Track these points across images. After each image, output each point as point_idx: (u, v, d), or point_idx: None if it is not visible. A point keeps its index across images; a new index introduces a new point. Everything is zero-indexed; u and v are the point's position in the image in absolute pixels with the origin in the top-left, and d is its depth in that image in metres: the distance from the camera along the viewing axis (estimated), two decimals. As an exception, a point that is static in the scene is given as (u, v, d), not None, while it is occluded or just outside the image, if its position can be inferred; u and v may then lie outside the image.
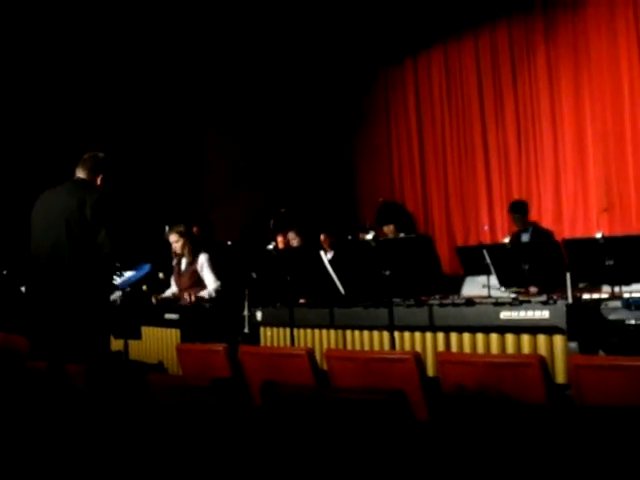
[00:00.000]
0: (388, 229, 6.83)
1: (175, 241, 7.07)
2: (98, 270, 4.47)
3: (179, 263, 7.22)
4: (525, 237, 7.91)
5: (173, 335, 6.62)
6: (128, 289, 6.37)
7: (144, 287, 7.10)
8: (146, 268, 6.29)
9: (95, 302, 4.42)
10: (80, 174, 4.68)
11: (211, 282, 6.98)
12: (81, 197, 4.47)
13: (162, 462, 3.11)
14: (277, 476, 2.65)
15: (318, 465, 2.56)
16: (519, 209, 8.14)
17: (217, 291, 6.94)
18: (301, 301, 6.45)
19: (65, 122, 10.08)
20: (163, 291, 7.46)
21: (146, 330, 6.84)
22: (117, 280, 5.21)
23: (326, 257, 5.58)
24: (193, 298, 6.86)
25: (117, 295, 7.46)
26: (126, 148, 10.25)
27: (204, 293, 6.93)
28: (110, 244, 4.44)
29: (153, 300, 7.17)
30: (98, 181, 4.68)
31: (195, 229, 7.77)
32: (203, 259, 7.03)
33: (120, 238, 4.52)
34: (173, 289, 7.35)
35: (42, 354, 4.40)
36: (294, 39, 11.37)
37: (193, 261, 7.08)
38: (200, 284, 7.04)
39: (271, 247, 5.80)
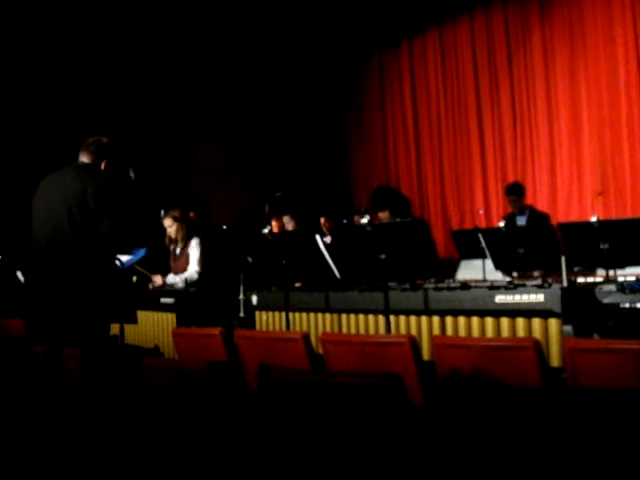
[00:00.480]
0: (383, 214, 6.83)
1: (169, 225, 7.08)
2: (99, 256, 4.43)
3: (174, 247, 7.23)
4: (521, 220, 7.91)
5: (169, 319, 6.63)
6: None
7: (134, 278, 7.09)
8: (141, 252, 6.28)
9: (96, 288, 4.39)
10: (84, 158, 4.60)
11: (193, 265, 6.99)
12: (84, 183, 4.41)
13: (158, 446, 3.12)
14: (273, 459, 2.65)
15: (314, 448, 2.57)
16: (515, 191, 8.14)
17: (191, 280, 6.92)
18: (296, 285, 6.45)
19: (63, 110, 10.04)
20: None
21: (142, 314, 6.85)
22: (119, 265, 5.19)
23: (325, 241, 5.58)
24: (161, 281, 6.89)
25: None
26: (120, 132, 10.22)
27: (177, 278, 6.95)
28: (112, 232, 4.40)
29: (150, 287, 7.18)
30: (102, 166, 4.62)
31: (192, 214, 7.75)
32: (194, 243, 7.06)
33: (123, 226, 4.48)
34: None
35: (40, 338, 4.39)
36: (288, 22, 11.32)
37: (186, 245, 7.10)
38: None
39: (266, 231, 5.80)
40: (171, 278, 6.98)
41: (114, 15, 10.19)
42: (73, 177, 4.48)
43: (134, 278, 7.13)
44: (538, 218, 7.88)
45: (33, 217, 4.59)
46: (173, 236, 7.12)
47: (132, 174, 5.07)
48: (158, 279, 6.96)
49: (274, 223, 8.17)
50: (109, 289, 4.49)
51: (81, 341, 4.16)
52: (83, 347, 4.04)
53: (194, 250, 7.03)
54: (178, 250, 7.17)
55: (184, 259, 7.09)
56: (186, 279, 6.92)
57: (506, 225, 6.49)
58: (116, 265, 4.72)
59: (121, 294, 5.13)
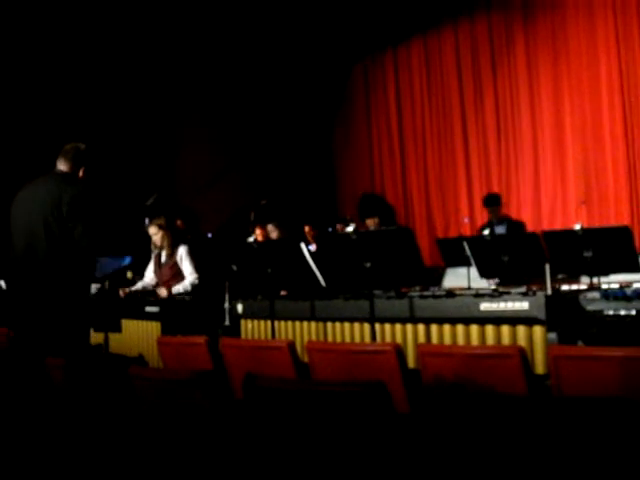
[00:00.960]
0: (371, 221, 6.84)
1: (154, 233, 7.05)
2: (75, 265, 4.43)
3: (159, 255, 7.19)
4: (500, 229, 7.98)
5: (153, 328, 6.60)
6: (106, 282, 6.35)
7: (106, 283, 7.07)
8: (126, 260, 6.26)
9: (73, 297, 4.39)
10: (61, 166, 4.61)
11: (189, 273, 6.96)
12: (60, 191, 4.43)
13: (143, 455, 3.11)
14: (259, 468, 2.65)
15: (299, 457, 2.56)
16: (495, 202, 8.25)
17: (193, 284, 6.91)
18: (282, 293, 6.45)
19: (44, 114, 10.01)
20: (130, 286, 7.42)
21: (126, 323, 6.82)
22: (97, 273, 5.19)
23: (309, 249, 5.58)
24: (166, 293, 6.86)
25: (94, 287, 7.41)
26: (102, 141, 10.19)
27: (179, 287, 6.90)
28: (86, 240, 4.41)
29: (121, 293, 7.12)
30: (80, 173, 4.62)
31: (179, 222, 7.74)
32: (182, 250, 7.02)
33: (97, 233, 4.49)
34: (145, 281, 7.31)
35: (23, 347, 4.38)
36: (274, 31, 11.34)
37: (173, 253, 7.06)
38: (180, 276, 7.02)
39: (252, 239, 5.79)
40: (177, 288, 6.92)
41: (96, 21, 10.17)
42: (50, 186, 4.50)
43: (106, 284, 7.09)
44: (516, 227, 7.99)
45: (12, 227, 4.60)
46: (158, 244, 7.08)
47: (151, 200, 5.19)
48: (163, 292, 6.91)
49: (258, 231, 8.17)
50: (86, 296, 4.50)
51: (61, 349, 4.16)
52: (64, 355, 4.03)
53: (185, 259, 6.99)
54: (164, 258, 7.14)
55: (169, 267, 7.05)
56: (191, 285, 6.89)
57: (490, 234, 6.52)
58: (93, 272, 4.73)
59: (103, 302, 5.15)
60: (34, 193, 4.57)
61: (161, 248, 7.12)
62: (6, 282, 7.32)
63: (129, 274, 7.51)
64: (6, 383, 4.07)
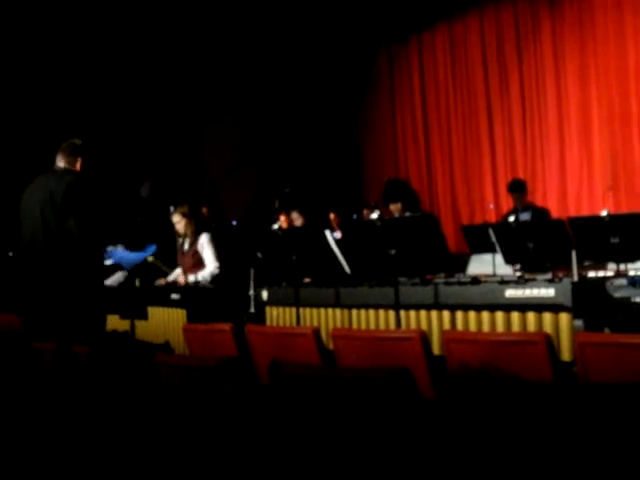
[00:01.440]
0: (395, 207, 6.83)
1: (178, 222, 7.08)
2: (73, 255, 4.58)
3: (182, 243, 7.23)
4: (525, 216, 7.93)
5: (179, 315, 6.64)
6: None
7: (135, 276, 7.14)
8: (152, 249, 6.30)
9: (75, 286, 4.53)
10: (60, 162, 4.85)
11: (210, 262, 6.99)
12: (56, 184, 4.64)
13: (169, 442, 3.13)
14: (285, 453, 2.66)
15: (325, 443, 2.57)
16: (520, 188, 8.21)
17: (213, 274, 6.94)
18: (306, 280, 6.45)
19: (68, 106, 10.07)
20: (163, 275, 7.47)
21: (152, 310, 6.86)
22: (108, 261, 5.33)
23: (334, 236, 5.58)
24: (183, 280, 6.90)
25: (122, 276, 7.48)
26: (127, 132, 10.26)
27: (198, 276, 6.94)
28: (81, 229, 4.56)
29: (162, 282, 7.19)
30: (78, 165, 4.81)
31: (204, 210, 7.78)
32: (204, 239, 7.05)
33: (95, 223, 4.62)
34: (178, 271, 7.36)
35: (39, 335, 4.48)
36: (298, 16, 11.30)
37: (194, 241, 7.09)
38: (201, 264, 7.06)
39: (276, 227, 5.80)
40: (192, 277, 6.96)
41: (121, 17, 10.20)
42: (48, 182, 4.69)
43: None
44: (541, 214, 7.93)
45: (21, 224, 4.82)
46: (182, 232, 7.12)
47: (146, 189, 5.34)
48: (181, 279, 6.95)
49: (282, 218, 8.18)
50: (92, 285, 4.62)
51: (76, 336, 4.24)
52: (80, 342, 4.11)
53: (207, 247, 7.02)
54: (186, 246, 7.17)
55: (191, 255, 7.08)
56: (210, 274, 6.93)
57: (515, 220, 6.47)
58: (98, 261, 4.86)
59: (129, 291, 5.24)
60: (36, 190, 4.79)
61: (184, 236, 7.15)
62: (17, 275, 7.44)
63: (149, 258, 7.55)
64: (31, 369, 4.11)
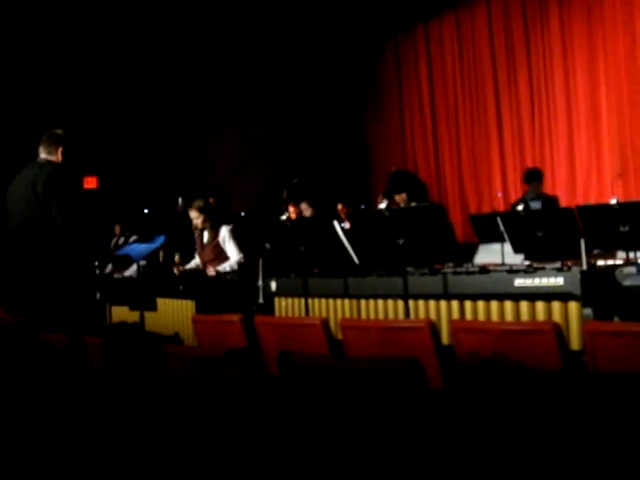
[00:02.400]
0: (400, 197, 6.82)
1: (196, 217, 7.10)
2: (58, 245, 4.61)
3: (201, 236, 7.25)
4: (536, 204, 7.90)
5: (188, 306, 6.65)
6: (143, 261, 6.42)
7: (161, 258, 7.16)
8: (160, 240, 6.31)
9: (62, 276, 4.58)
10: (42, 153, 4.88)
11: (234, 254, 7.01)
12: (36, 176, 4.67)
13: (178, 433, 3.14)
14: (294, 445, 2.67)
15: (334, 434, 2.58)
16: (537, 177, 8.19)
17: (239, 263, 6.96)
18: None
19: (74, 100, 10.08)
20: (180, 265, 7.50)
21: (161, 302, 6.88)
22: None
23: (343, 226, 5.58)
24: (214, 272, 6.90)
25: (133, 268, 7.52)
26: (134, 125, 10.27)
27: (225, 266, 6.95)
28: (61, 218, 4.60)
29: (175, 271, 7.21)
30: (59, 154, 4.82)
31: (211, 200, 7.78)
32: (225, 231, 7.07)
33: (72, 211, 4.66)
34: (197, 261, 7.38)
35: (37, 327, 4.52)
36: (304, 9, 11.28)
37: (215, 234, 7.11)
38: (223, 256, 7.06)
39: (284, 218, 5.80)
40: (221, 268, 6.98)
41: (129, 9, 10.20)
42: (30, 172, 4.73)
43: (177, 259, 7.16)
44: (550, 202, 7.91)
45: (7, 219, 4.87)
46: (200, 227, 7.14)
47: (180, 204, 5.37)
48: (211, 271, 6.97)
49: (291, 209, 8.18)
50: (73, 272, 4.65)
51: (63, 326, 4.28)
52: (69, 330, 4.17)
53: (229, 240, 7.04)
54: (206, 239, 7.20)
55: (212, 248, 7.10)
56: (237, 263, 6.96)
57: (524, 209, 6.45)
58: (85, 249, 4.90)
59: (138, 282, 5.26)
60: (19, 181, 4.84)
61: (203, 229, 7.17)
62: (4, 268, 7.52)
63: (177, 258, 7.58)
64: (40, 361, 4.13)
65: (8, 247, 4.81)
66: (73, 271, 4.66)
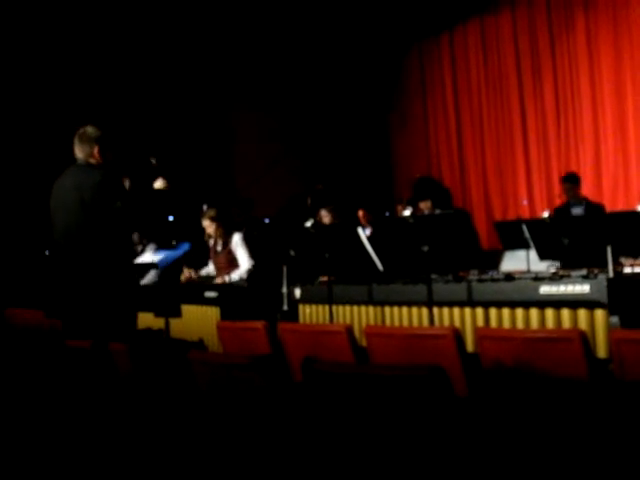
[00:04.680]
0: (424, 205, 6.82)
1: (208, 225, 7.26)
2: (113, 250, 4.54)
3: (215, 243, 7.38)
4: (577, 210, 7.91)
5: (213, 313, 6.68)
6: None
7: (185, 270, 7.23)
8: (185, 247, 6.34)
9: (109, 282, 4.50)
10: (79, 154, 4.70)
11: (244, 261, 7.13)
12: (82, 180, 4.55)
13: (203, 438, 3.15)
14: (318, 451, 2.67)
15: (358, 441, 2.58)
16: (570, 179, 8.20)
17: (249, 271, 7.06)
18: (323, 279, 6.44)
19: (96, 101, 10.16)
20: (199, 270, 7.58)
21: (186, 308, 6.91)
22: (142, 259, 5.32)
23: (364, 233, 5.58)
24: (221, 281, 7.00)
25: (155, 275, 7.58)
26: (159, 131, 10.33)
27: (234, 276, 7.03)
28: (111, 224, 4.52)
29: (187, 273, 7.29)
30: (96, 154, 4.67)
31: (235, 210, 7.88)
32: (237, 238, 7.21)
33: (122, 218, 4.59)
34: (210, 268, 7.48)
35: (75, 333, 4.48)
36: (330, 13, 11.30)
37: (227, 241, 7.25)
38: (235, 262, 7.21)
39: (309, 224, 5.81)
40: (228, 278, 7.06)
41: (151, 8, 10.27)
42: (74, 178, 4.62)
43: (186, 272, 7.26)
44: (594, 209, 7.86)
45: (52, 222, 4.75)
46: (213, 235, 7.30)
47: (154, 161, 5.16)
48: (219, 279, 7.10)
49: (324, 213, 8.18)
50: (125, 281, 4.59)
51: (106, 332, 4.25)
52: (108, 338, 4.13)
53: (240, 246, 7.16)
54: (219, 247, 7.31)
55: (225, 255, 7.21)
56: (247, 272, 7.04)
57: (556, 214, 6.42)
58: (131, 256, 4.84)
59: (163, 288, 5.22)
60: (64, 185, 4.69)
61: (216, 238, 7.29)
62: (50, 271, 7.52)
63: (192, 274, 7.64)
64: (68, 367, 4.16)
65: (54, 252, 4.74)
66: (119, 278, 4.59)
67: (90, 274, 4.49)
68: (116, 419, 3.54)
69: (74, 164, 4.75)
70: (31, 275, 9.50)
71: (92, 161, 4.66)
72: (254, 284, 6.84)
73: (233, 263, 7.19)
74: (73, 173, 4.67)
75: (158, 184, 4.95)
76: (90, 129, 4.75)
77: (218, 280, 7.12)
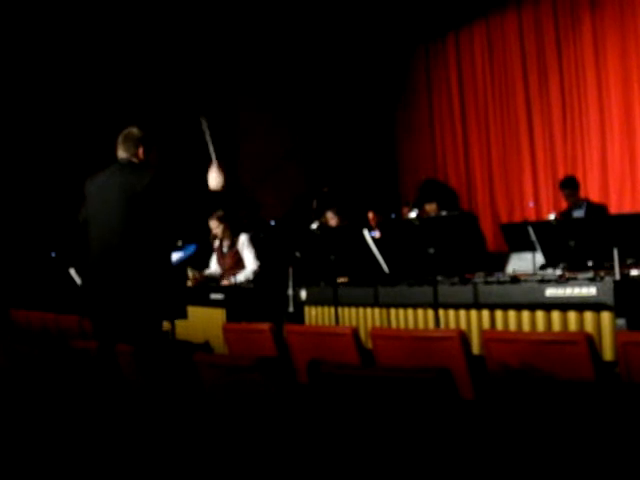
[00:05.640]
0: (430, 207, 6.81)
1: (216, 227, 7.25)
2: (158, 254, 4.44)
3: (221, 245, 7.39)
4: (579, 213, 7.82)
5: (219, 315, 6.68)
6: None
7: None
8: (192, 248, 6.35)
9: (152, 286, 4.40)
10: (122, 154, 4.61)
11: (250, 262, 7.14)
12: (133, 182, 4.41)
13: (208, 439, 3.15)
14: (323, 453, 2.67)
15: (363, 442, 2.57)
16: (569, 184, 8.07)
17: (255, 272, 7.06)
18: (341, 280, 6.43)
19: (106, 105, 10.18)
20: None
21: (192, 310, 6.91)
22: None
23: (373, 235, 5.58)
24: (227, 282, 7.01)
25: None
26: (165, 133, 10.33)
27: (240, 277, 7.04)
28: (177, 218, 4.42)
29: (195, 275, 7.29)
30: (140, 154, 4.59)
31: (242, 213, 7.92)
32: (243, 239, 7.22)
33: (186, 209, 4.51)
34: (212, 269, 7.48)
35: (101, 335, 4.40)
36: (336, 15, 11.30)
37: (234, 242, 7.26)
38: (242, 263, 7.21)
39: (314, 226, 5.81)
40: (234, 279, 7.06)
41: (158, 10, 10.29)
42: (121, 177, 4.48)
43: (191, 274, 7.28)
44: (596, 211, 7.78)
45: (89, 221, 4.59)
46: (220, 236, 7.29)
47: (204, 123, 5.08)
48: (225, 281, 7.12)
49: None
50: (164, 286, 4.49)
51: (136, 338, 4.18)
52: (137, 343, 4.06)
53: (246, 248, 7.19)
54: (225, 248, 7.34)
55: (232, 256, 7.24)
56: (253, 273, 7.06)
57: (561, 218, 6.39)
58: (171, 262, 4.72)
59: (174, 291, 5.13)
60: (107, 186, 4.52)
61: (222, 239, 7.30)
62: (81, 272, 7.47)
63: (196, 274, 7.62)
64: (75, 367, 4.16)
65: (92, 253, 4.60)
66: (157, 282, 4.48)
67: (128, 274, 4.37)
68: (121, 419, 3.55)
69: (116, 163, 4.64)
70: (37, 276, 9.53)
71: (135, 161, 4.60)
72: (260, 285, 6.84)
73: (239, 264, 7.20)
74: (118, 172, 4.56)
75: (214, 182, 4.92)
76: (135, 130, 4.68)
77: (224, 281, 7.13)
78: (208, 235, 7.42)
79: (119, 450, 3.43)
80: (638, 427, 2.09)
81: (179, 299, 6.47)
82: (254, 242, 7.20)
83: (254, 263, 7.11)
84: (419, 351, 3.56)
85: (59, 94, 10.18)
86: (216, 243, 7.43)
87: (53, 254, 9.26)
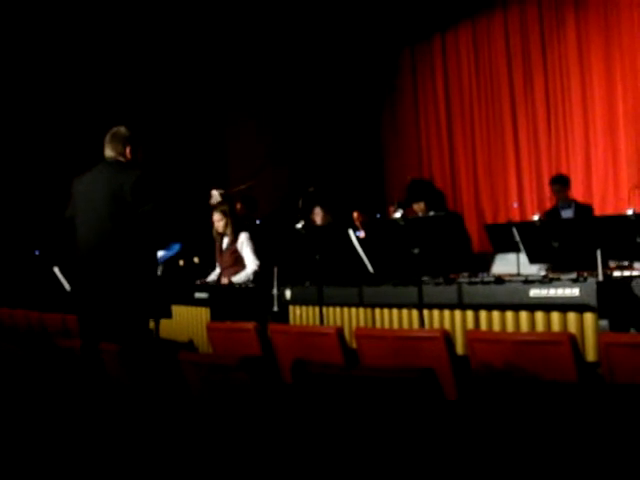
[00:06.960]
0: (418, 207, 6.82)
1: (218, 220, 7.07)
2: (141, 252, 4.44)
3: (221, 241, 7.24)
4: (567, 213, 7.89)
5: (203, 314, 6.67)
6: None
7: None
8: (176, 247, 6.33)
9: (138, 285, 4.39)
10: (110, 153, 4.59)
11: (250, 261, 7.00)
12: (120, 180, 4.41)
13: (191, 438, 3.15)
14: (306, 453, 2.67)
15: (347, 442, 2.58)
16: (560, 180, 8.18)
17: (255, 272, 6.96)
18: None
19: (94, 106, 10.15)
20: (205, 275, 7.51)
21: (176, 309, 6.90)
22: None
23: (358, 235, 5.57)
24: (227, 281, 6.92)
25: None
26: (154, 131, 10.30)
27: (241, 276, 6.96)
28: (158, 219, 4.41)
29: (216, 192, 7.22)
30: (127, 152, 4.58)
31: (239, 206, 7.79)
32: (244, 237, 7.06)
33: (166, 211, 4.49)
34: (217, 271, 7.41)
35: (87, 333, 4.40)
36: (321, 16, 11.31)
37: (234, 240, 7.09)
38: (241, 262, 7.07)
39: (300, 226, 5.81)
40: (237, 278, 6.99)
41: (144, 9, 10.27)
42: (108, 175, 4.48)
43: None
44: (584, 211, 7.86)
45: (76, 219, 4.58)
46: (221, 230, 7.11)
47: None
48: (225, 279, 7.01)
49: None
50: (149, 285, 4.49)
51: (121, 336, 4.18)
52: (122, 342, 4.06)
53: (246, 246, 7.04)
54: (225, 244, 7.19)
55: (230, 253, 7.10)
56: (253, 273, 6.98)
57: (547, 217, 6.42)
58: (156, 260, 4.72)
59: (158, 289, 5.12)
60: (94, 184, 4.52)
61: (223, 234, 7.17)
62: (65, 270, 7.42)
63: (196, 259, 7.56)
64: (58, 366, 4.15)
65: (77, 252, 4.58)
66: (141, 280, 4.47)
67: (114, 272, 4.36)
68: (105, 419, 3.54)
69: (104, 162, 4.62)
70: (21, 274, 9.49)
71: (123, 160, 4.58)
72: (245, 285, 6.82)
73: (238, 262, 7.06)
74: (105, 171, 4.54)
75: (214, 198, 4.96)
76: (122, 129, 4.68)
77: (223, 280, 7.02)
78: (211, 230, 7.24)
79: (104, 448, 3.42)
80: (620, 428, 2.11)
81: (163, 298, 6.45)
82: (254, 241, 7.04)
83: (254, 262, 6.97)
84: (403, 351, 3.57)
85: (45, 93, 10.14)
86: (217, 240, 7.25)
87: (37, 252, 9.23)
